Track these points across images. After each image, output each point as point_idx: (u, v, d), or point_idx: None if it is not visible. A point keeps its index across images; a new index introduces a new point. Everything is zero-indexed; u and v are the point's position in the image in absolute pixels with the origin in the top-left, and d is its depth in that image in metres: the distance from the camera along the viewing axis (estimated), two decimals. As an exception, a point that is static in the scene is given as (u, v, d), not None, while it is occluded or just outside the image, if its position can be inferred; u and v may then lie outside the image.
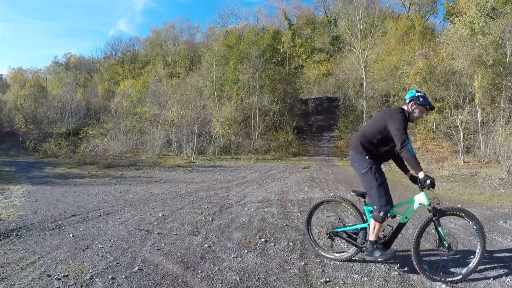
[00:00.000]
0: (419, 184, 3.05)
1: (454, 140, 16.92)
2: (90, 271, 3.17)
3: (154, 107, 25.07)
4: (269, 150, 22.37)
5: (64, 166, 15.43)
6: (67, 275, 3.07)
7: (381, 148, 3.18)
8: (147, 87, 29.39)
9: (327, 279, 3.02)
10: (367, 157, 3.15)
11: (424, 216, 3.45)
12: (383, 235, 3.29)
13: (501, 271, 3.22)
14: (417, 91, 3.26)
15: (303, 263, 3.39)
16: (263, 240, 4.16)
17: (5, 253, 3.66)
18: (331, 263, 3.40)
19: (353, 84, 26.15)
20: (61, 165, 16.11)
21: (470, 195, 7.85)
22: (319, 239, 3.93)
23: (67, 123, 28.41)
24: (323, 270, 3.22)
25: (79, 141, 23.38)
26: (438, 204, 3.16)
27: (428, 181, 2.91)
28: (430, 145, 19.30)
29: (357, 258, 3.51)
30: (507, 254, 3.70)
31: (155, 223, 4.99)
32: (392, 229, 3.25)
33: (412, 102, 3.17)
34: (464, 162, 15.20)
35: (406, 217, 3.19)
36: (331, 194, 7.75)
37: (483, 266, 3.32)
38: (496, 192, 8.17)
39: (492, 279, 3.05)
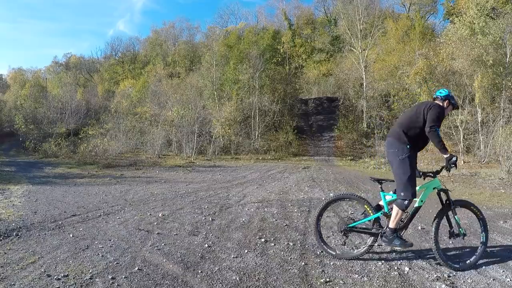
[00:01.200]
0: (433, 172, 3.39)
1: (454, 140, 16.93)
2: (90, 271, 3.17)
3: (154, 107, 25.07)
4: (269, 150, 22.38)
5: (64, 166, 15.43)
6: (67, 275, 3.07)
7: (421, 138, 3.32)
8: (147, 87, 29.38)
9: (327, 279, 3.02)
10: (408, 147, 3.26)
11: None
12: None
13: (501, 271, 3.22)
14: (449, 91, 3.51)
15: (303, 263, 3.39)
16: (263, 240, 4.16)
17: (5, 253, 3.66)
18: (331, 263, 3.40)
19: (353, 84, 26.16)
20: (61, 165, 16.11)
21: (470, 195, 7.85)
22: (328, 238, 3.89)
23: (67, 123, 28.39)
24: (323, 270, 3.22)
25: (79, 141, 23.38)
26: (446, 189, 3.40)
27: (455, 158, 3.19)
28: (430, 145, 19.27)
29: (356, 258, 3.52)
30: (507, 254, 3.70)
31: (155, 223, 4.99)
32: (407, 214, 3.37)
33: (447, 101, 3.43)
34: (464, 162, 15.21)
35: (422, 201, 3.33)
36: (331, 194, 7.75)
37: (483, 266, 3.33)
38: (496, 192, 8.17)
39: (492, 279, 3.05)
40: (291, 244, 4.00)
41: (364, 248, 3.51)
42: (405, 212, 3.28)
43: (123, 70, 41.05)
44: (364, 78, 25.24)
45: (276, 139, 23.93)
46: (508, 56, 15.80)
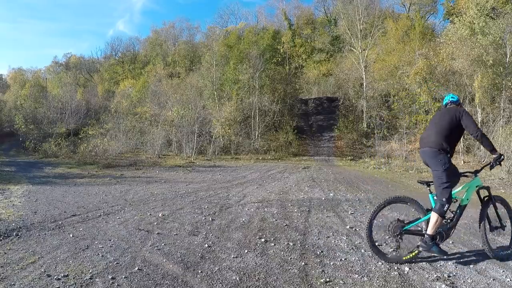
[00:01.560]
0: (471, 172, 3.61)
1: (454, 140, 16.90)
2: (90, 271, 3.17)
3: (154, 107, 25.07)
4: (269, 150, 22.38)
5: (64, 166, 15.43)
6: (67, 275, 3.07)
7: (455, 143, 3.52)
8: (147, 87, 29.39)
9: (327, 279, 3.02)
10: (448, 155, 3.40)
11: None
12: (449, 218, 3.49)
13: (501, 271, 3.22)
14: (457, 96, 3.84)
15: (303, 263, 3.39)
16: (263, 240, 4.16)
17: (5, 253, 3.66)
18: (331, 263, 3.39)
19: (353, 84, 26.15)
20: (61, 165, 16.11)
21: (470, 195, 7.85)
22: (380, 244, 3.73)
23: (67, 123, 28.38)
24: (323, 270, 3.22)
25: (79, 141, 23.38)
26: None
27: (502, 157, 3.44)
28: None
29: (357, 258, 3.52)
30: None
31: (155, 223, 4.99)
32: (455, 212, 3.49)
33: (459, 105, 3.72)
34: (464, 162, 15.22)
35: (467, 199, 3.51)
36: (331, 194, 7.75)
37: (483, 266, 3.33)
38: (496, 192, 8.13)
39: (492, 279, 3.05)
40: (291, 244, 4.00)
41: (416, 251, 3.47)
42: (444, 219, 3.34)
43: (123, 70, 41.06)
44: (364, 78, 25.23)
45: (276, 139, 23.92)
46: (508, 56, 15.80)
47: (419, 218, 3.51)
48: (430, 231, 3.29)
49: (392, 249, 3.63)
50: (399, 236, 3.47)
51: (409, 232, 3.51)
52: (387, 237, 3.59)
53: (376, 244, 3.56)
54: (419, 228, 3.55)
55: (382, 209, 3.54)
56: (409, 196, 3.71)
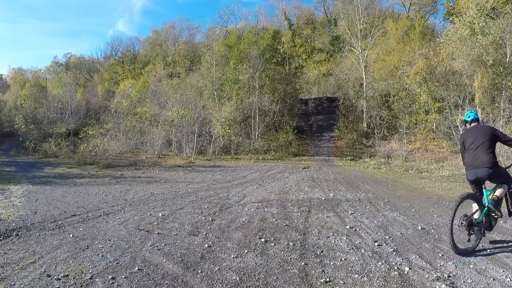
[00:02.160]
0: (506, 167, 4.06)
1: (454, 140, 16.92)
2: (90, 271, 3.17)
3: (154, 107, 25.07)
4: (269, 150, 22.37)
5: (64, 166, 15.43)
6: (67, 275, 3.07)
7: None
8: (147, 87, 29.38)
9: (327, 279, 3.02)
10: (497, 163, 3.95)
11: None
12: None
13: (501, 271, 3.22)
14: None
15: (303, 263, 3.39)
16: (263, 240, 4.16)
17: (5, 253, 3.66)
18: (331, 263, 3.40)
19: (353, 84, 26.14)
20: (61, 165, 16.11)
21: (470, 195, 7.84)
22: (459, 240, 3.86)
23: (67, 123, 28.36)
24: (323, 270, 3.22)
25: (79, 141, 23.38)
26: None
27: None
28: (430, 145, 19.32)
29: (357, 258, 3.52)
30: (506, 254, 3.71)
31: (155, 223, 4.99)
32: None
33: (478, 121, 4.28)
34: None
35: None
36: (331, 194, 7.75)
37: (483, 266, 3.33)
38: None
39: (492, 279, 3.06)
40: (291, 244, 4.00)
41: (478, 241, 3.84)
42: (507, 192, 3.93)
43: (123, 70, 41.05)
44: (364, 78, 25.23)
45: (276, 139, 23.91)
46: (508, 56, 15.79)
47: (482, 211, 3.82)
48: (498, 194, 3.87)
49: (465, 242, 3.80)
50: (471, 230, 3.75)
51: (479, 225, 3.81)
52: (461, 232, 3.82)
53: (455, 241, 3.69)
54: (484, 221, 3.89)
55: (459, 206, 3.69)
56: (471, 192, 3.99)
